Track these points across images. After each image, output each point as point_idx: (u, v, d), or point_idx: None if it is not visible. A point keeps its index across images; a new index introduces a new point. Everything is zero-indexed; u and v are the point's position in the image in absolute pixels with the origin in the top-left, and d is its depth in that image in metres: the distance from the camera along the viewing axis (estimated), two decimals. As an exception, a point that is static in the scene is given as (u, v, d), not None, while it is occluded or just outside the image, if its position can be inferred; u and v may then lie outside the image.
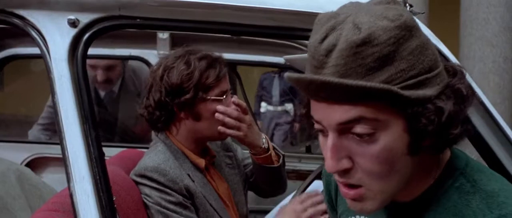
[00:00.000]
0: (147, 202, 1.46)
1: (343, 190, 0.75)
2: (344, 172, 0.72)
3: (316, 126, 0.74)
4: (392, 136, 0.70)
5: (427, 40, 0.71)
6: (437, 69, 0.71)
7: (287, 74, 0.71)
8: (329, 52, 0.68)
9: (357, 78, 0.66)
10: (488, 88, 4.14)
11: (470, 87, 0.75)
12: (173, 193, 1.46)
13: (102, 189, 1.02)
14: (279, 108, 6.02)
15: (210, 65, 1.50)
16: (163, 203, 1.45)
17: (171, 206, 1.45)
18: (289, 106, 5.98)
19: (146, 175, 1.47)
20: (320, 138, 0.76)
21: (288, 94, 5.97)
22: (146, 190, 1.47)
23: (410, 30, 0.68)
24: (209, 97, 1.50)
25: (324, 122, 0.71)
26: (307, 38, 1.16)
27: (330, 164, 0.71)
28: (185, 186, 1.49)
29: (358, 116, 0.68)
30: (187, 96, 1.47)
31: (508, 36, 4.26)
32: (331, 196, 1.02)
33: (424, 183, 0.79)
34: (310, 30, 1.03)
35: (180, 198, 1.47)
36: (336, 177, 0.75)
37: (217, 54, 1.57)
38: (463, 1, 4.49)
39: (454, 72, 0.74)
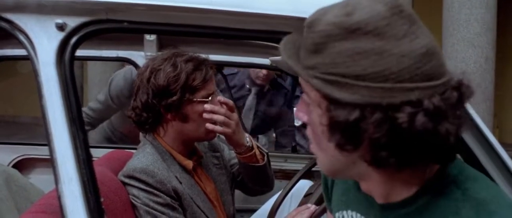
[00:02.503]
0: (135, 203, 1.47)
1: None
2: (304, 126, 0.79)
3: None
4: (315, 115, 0.76)
5: (364, 50, 0.68)
6: (372, 84, 0.68)
7: None
8: None
9: (303, 54, 0.74)
10: (470, 88, 4.19)
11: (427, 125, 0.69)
12: (161, 194, 1.47)
13: (90, 191, 1.03)
14: None
15: (197, 67, 1.52)
16: (151, 204, 1.46)
17: (159, 207, 1.46)
18: (263, 140, 3.80)
19: (134, 176, 1.48)
20: None
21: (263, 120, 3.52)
22: (134, 191, 1.48)
23: (351, 32, 0.68)
24: (195, 99, 1.52)
25: None
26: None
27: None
28: (173, 187, 1.50)
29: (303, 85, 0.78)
30: (174, 98, 1.49)
31: (490, 37, 4.33)
32: (328, 187, 1.04)
33: (413, 186, 0.79)
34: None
35: (168, 199, 1.48)
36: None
37: (203, 56, 1.58)
38: (445, 2, 4.55)
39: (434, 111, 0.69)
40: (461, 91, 0.71)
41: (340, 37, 0.69)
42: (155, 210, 1.46)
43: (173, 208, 1.49)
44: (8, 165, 2.17)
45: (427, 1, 5.86)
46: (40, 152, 2.22)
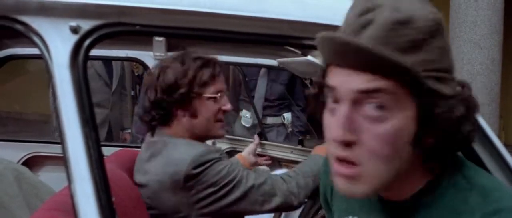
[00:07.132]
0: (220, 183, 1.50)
1: (337, 167, 0.74)
2: (347, 145, 0.71)
3: (328, 94, 0.75)
4: (402, 120, 0.71)
5: (449, 46, 0.75)
6: (453, 75, 0.75)
7: (321, 33, 0.71)
8: (366, 24, 0.70)
9: (389, 53, 0.69)
10: (476, 89, 4.16)
11: (475, 101, 0.77)
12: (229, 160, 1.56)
13: (102, 190, 1.05)
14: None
15: (204, 65, 1.56)
16: (234, 168, 1.52)
17: (240, 168, 1.55)
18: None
19: (205, 160, 1.49)
20: (326, 115, 0.76)
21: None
22: (212, 171, 1.49)
23: (441, 28, 0.73)
24: (204, 94, 1.55)
25: (342, 88, 0.72)
26: (301, 46, 1.20)
27: (338, 133, 0.71)
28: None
29: (378, 87, 0.70)
30: (182, 91, 1.52)
31: (496, 39, 4.31)
32: (327, 199, 1.05)
33: (419, 182, 0.81)
34: (304, 38, 1.08)
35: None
36: (336, 150, 0.73)
37: (211, 56, 1.62)
38: (452, 4, 4.53)
39: (463, 84, 0.77)
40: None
41: (439, 33, 0.72)
42: (240, 172, 1.52)
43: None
44: (18, 162, 2.20)
45: (434, 2, 5.84)
46: (50, 149, 2.25)
